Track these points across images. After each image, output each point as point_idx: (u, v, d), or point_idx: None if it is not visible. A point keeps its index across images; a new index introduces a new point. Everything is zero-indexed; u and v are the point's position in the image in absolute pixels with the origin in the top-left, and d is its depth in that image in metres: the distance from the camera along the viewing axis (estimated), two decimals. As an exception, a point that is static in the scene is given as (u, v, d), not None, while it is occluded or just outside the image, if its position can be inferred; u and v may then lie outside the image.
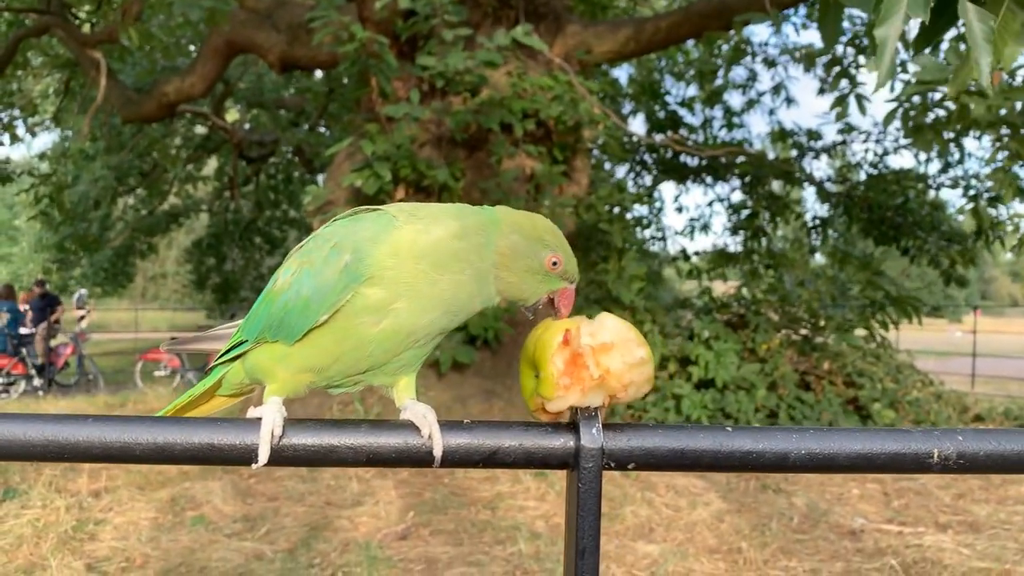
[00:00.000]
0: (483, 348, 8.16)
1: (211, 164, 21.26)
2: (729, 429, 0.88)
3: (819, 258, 14.62)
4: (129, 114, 11.66)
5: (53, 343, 14.23)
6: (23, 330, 13.64)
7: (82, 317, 15.49)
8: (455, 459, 0.89)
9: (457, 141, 8.53)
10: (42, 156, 17.73)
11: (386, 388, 1.08)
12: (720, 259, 13.39)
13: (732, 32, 9.22)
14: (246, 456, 0.87)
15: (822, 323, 9.75)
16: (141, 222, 19.37)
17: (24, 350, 13.36)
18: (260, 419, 0.91)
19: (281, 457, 0.88)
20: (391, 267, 0.99)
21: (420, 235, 1.00)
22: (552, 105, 8.45)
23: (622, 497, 6.33)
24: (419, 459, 0.89)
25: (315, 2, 9.29)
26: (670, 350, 9.16)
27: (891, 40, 1.81)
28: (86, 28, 11.89)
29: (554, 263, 1.04)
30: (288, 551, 5.23)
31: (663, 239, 15.42)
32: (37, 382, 13.38)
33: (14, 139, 13.62)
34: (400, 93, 8.66)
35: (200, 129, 18.89)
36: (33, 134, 15.26)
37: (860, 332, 9.85)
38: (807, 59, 9.62)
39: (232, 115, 19.53)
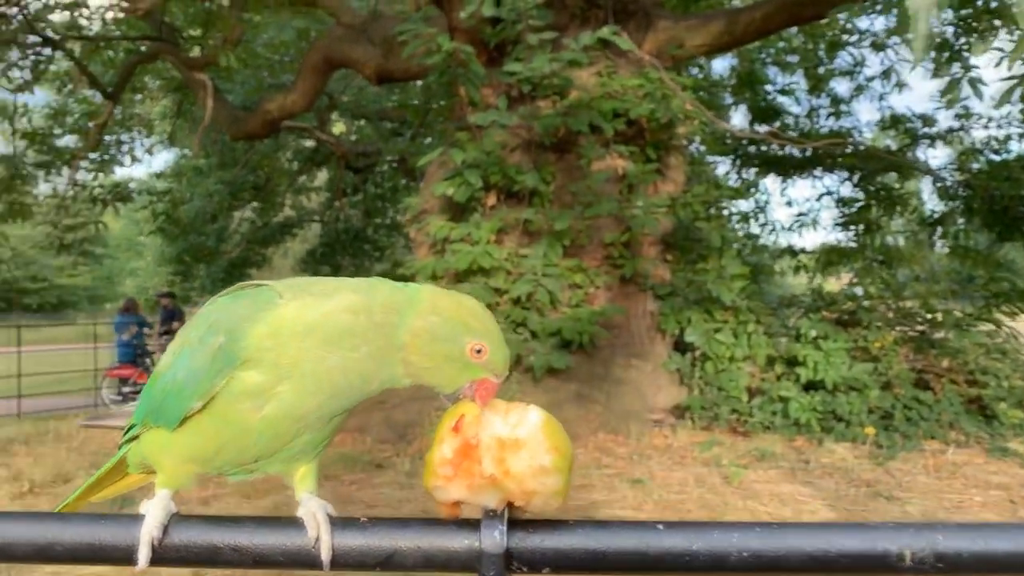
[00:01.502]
0: (578, 352, 8.07)
1: (322, 175, 21.96)
2: (660, 527, 0.78)
3: (937, 248, 13.77)
4: (236, 132, 12.13)
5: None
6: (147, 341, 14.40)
7: None
8: (347, 562, 0.83)
9: (546, 145, 8.47)
10: (159, 175, 18.76)
11: (284, 477, 1.00)
12: (830, 255, 12.84)
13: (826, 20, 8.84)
14: (129, 555, 0.83)
15: (939, 318, 9.18)
16: (256, 234, 20.15)
17: (148, 360, 14.10)
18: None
19: (162, 559, 0.84)
20: (271, 348, 0.90)
21: (306, 310, 0.92)
22: (643, 103, 8.28)
23: (722, 505, 6.14)
24: (309, 562, 0.83)
25: (407, 15, 9.43)
26: (776, 351, 8.84)
27: (923, 11, 1.66)
28: (196, 51, 12.46)
29: (477, 351, 0.94)
30: (382, 560, 5.28)
31: (772, 231, 14.75)
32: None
33: (133, 160, 14.43)
34: (489, 100, 8.67)
35: (309, 142, 19.51)
36: (151, 154, 16.12)
37: (984, 327, 9.23)
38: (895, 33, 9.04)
39: (339, 127, 20.09)
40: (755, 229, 14.26)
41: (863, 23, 12.72)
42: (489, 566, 0.77)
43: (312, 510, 0.88)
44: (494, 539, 0.78)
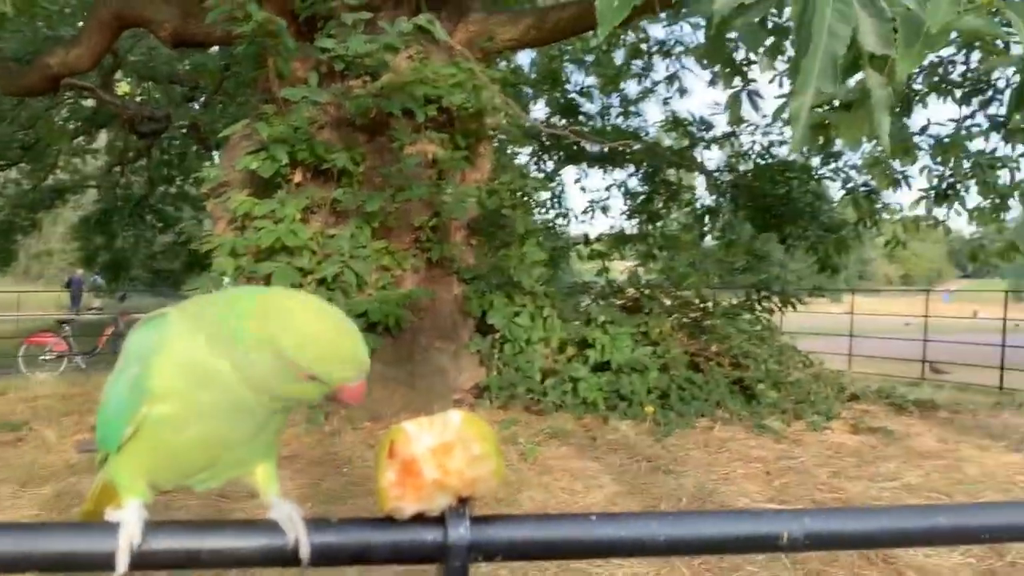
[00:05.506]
0: (385, 334, 8.16)
1: (102, 137, 20.41)
2: (593, 519, 0.97)
3: (710, 241, 15.17)
4: (9, 86, 11.08)
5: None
6: None
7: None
8: (324, 559, 0.92)
9: (357, 125, 8.46)
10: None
11: (244, 482, 1.04)
12: (618, 241, 13.76)
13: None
14: (109, 562, 0.87)
15: (711, 307, 10.14)
16: (23, 198, 18.46)
17: None
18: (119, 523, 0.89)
19: (143, 562, 0.88)
20: (171, 383, 0.94)
21: (192, 351, 0.94)
22: (454, 92, 8.46)
23: (519, 482, 6.47)
24: (286, 560, 0.92)
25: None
26: (569, 334, 9.36)
27: (804, 111, 1.97)
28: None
29: (311, 378, 0.96)
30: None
31: (566, 219, 15.57)
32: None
33: None
34: (299, 74, 8.50)
35: (90, 102, 18.08)
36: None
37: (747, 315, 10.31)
38: (701, 57, 9.91)
39: (124, 88, 18.74)
40: (552, 217, 14.99)
41: (656, 33, 13.71)
42: (455, 556, 0.90)
43: (287, 513, 0.95)
44: (459, 533, 0.91)
